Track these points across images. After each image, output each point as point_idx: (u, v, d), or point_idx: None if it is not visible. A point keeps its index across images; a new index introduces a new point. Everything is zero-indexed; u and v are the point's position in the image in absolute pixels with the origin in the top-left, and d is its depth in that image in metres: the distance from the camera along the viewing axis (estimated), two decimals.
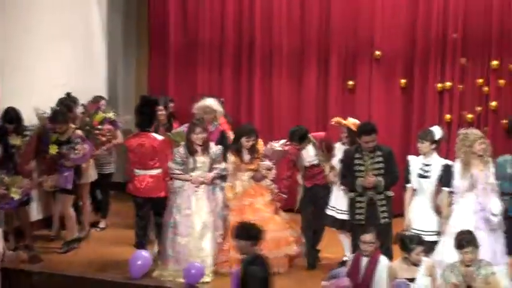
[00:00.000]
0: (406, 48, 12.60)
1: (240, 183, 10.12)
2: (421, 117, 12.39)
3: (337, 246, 10.23)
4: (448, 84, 12.39)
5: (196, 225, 9.74)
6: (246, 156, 10.14)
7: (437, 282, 8.08)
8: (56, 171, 10.59)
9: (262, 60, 13.10)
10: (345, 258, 9.81)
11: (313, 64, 12.94)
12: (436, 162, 9.14)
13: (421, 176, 9.13)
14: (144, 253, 9.76)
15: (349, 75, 12.86)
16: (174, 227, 9.75)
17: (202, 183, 9.75)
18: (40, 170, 10.74)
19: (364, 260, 8.43)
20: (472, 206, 8.73)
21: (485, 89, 12.32)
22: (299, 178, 10.36)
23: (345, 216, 9.75)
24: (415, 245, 8.25)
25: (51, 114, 10.76)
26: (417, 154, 9.34)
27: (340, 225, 9.94)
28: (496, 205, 8.68)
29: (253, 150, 10.12)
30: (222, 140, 10.58)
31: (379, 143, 9.42)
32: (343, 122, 10.19)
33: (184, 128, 10.36)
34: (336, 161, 10.06)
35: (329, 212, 10.09)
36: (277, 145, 10.29)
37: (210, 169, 9.80)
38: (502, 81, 12.24)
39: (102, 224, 11.99)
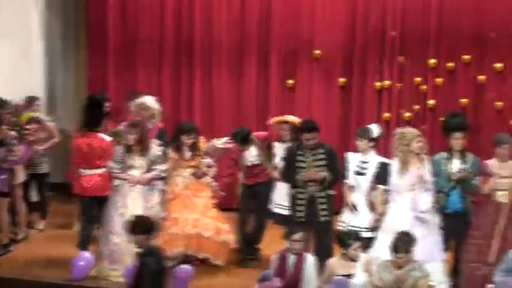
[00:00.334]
0: (345, 47, 12.70)
1: (182, 180, 10.12)
2: (360, 116, 12.49)
3: (279, 244, 10.24)
4: (387, 82, 12.52)
5: None
6: (187, 154, 10.13)
7: (372, 278, 8.13)
8: None
9: (202, 58, 13.08)
10: None
11: (253, 62, 12.97)
12: (373, 160, 9.20)
13: (358, 173, 9.18)
14: (87, 254, 9.69)
15: (289, 73, 12.92)
16: (109, 225, 9.68)
17: (138, 182, 9.69)
18: None
19: (291, 259, 8.45)
20: (408, 203, 8.80)
21: (423, 87, 12.48)
22: (240, 176, 10.38)
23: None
24: (352, 241, 8.31)
25: None
26: (356, 152, 9.40)
27: (286, 221, 9.95)
28: (424, 202, 8.77)
29: (194, 147, 10.11)
30: (161, 136, 10.51)
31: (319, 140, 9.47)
32: (288, 118, 10.23)
33: (122, 127, 10.30)
34: (277, 159, 10.11)
35: (275, 209, 10.14)
36: (219, 143, 10.32)
37: (149, 170, 9.75)
38: (439, 80, 12.40)
39: (41, 225, 11.84)
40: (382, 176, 9.04)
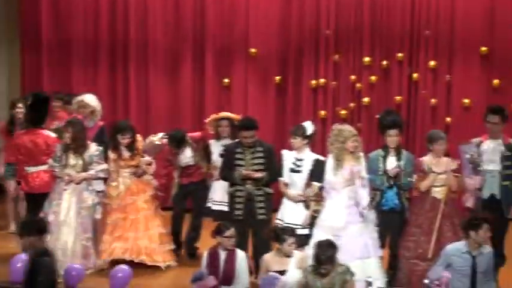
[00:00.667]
0: (281, 46, 12.76)
1: (122, 181, 10.07)
2: (296, 114, 12.55)
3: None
4: (322, 81, 12.61)
5: (61, 225, 9.62)
6: (125, 153, 10.06)
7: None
8: None
9: (138, 57, 12.97)
10: None
11: (188, 61, 12.92)
12: (308, 157, 9.20)
13: (293, 171, 9.18)
14: (24, 256, 9.56)
15: (224, 72, 12.92)
16: None
17: (70, 181, 9.62)
18: None
19: (222, 255, 8.46)
20: (344, 200, 8.86)
21: (358, 85, 12.60)
22: (175, 175, 10.37)
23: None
24: (287, 236, 8.34)
25: None
26: (291, 150, 9.43)
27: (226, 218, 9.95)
28: (363, 198, 8.82)
29: (132, 146, 10.06)
30: (101, 135, 10.52)
31: None
32: (227, 114, 10.22)
33: (61, 125, 10.22)
34: (214, 157, 10.13)
35: (215, 207, 10.13)
36: (156, 139, 10.29)
37: (85, 169, 9.66)
38: (373, 78, 12.53)
39: None
40: (317, 173, 9.06)
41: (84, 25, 13.06)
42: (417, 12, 12.42)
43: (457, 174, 9.08)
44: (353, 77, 12.59)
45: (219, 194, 10.11)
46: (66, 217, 9.64)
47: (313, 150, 9.51)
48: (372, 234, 8.92)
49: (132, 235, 9.93)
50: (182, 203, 10.40)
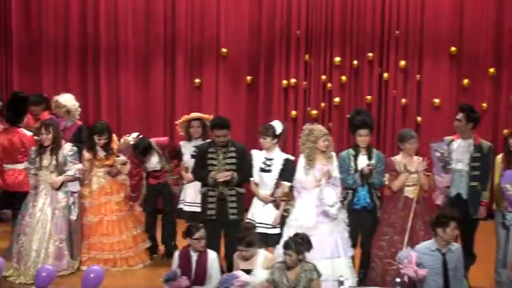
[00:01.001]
0: (252, 46, 12.78)
1: (96, 180, 10.11)
2: (267, 114, 12.55)
3: None
4: (293, 81, 12.64)
5: (36, 226, 9.60)
6: (101, 153, 10.11)
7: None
8: None
9: (108, 58, 12.94)
10: None
11: (159, 62, 12.90)
12: (278, 157, 9.21)
13: (263, 170, 9.18)
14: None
15: (195, 72, 12.91)
16: (20, 224, 9.65)
17: (52, 186, 9.63)
18: None
19: (194, 256, 8.48)
20: (315, 200, 8.89)
21: (329, 85, 12.65)
22: (144, 175, 10.42)
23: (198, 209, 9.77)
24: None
25: None
26: (262, 150, 9.42)
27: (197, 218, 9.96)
28: (330, 196, 8.85)
29: (107, 146, 10.11)
30: (79, 135, 10.57)
31: None
32: (198, 115, 10.22)
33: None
34: (185, 158, 10.12)
35: (187, 208, 10.13)
36: (131, 139, 10.29)
37: (60, 170, 9.65)
38: (344, 78, 12.59)
39: None
40: (287, 172, 9.09)
41: (55, 26, 13.00)
42: (387, 13, 12.48)
43: (428, 173, 9.15)
44: (324, 77, 12.64)
45: (190, 195, 10.12)
46: (40, 218, 9.62)
47: (284, 149, 9.55)
48: (342, 233, 8.95)
49: (108, 241, 9.98)
50: (153, 202, 10.41)
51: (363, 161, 9.18)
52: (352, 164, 9.17)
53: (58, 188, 9.65)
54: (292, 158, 9.24)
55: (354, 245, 9.16)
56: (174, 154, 10.28)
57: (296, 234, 8.06)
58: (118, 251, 10.01)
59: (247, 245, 8.22)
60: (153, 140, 10.33)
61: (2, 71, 13.24)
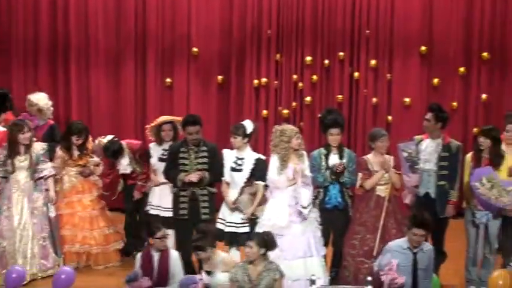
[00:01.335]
0: (223, 45, 12.76)
1: (68, 179, 10.11)
2: (238, 113, 12.55)
3: None
4: (264, 80, 12.65)
5: (17, 228, 9.54)
6: (75, 152, 10.13)
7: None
8: None
9: (78, 56, 12.84)
10: None
11: (130, 60, 12.84)
12: (249, 156, 9.18)
13: (234, 170, 9.15)
14: None
15: (167, 72, 12.87)
16: None
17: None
18: None
19: (155, 256, 8.48)
20: (288, 199, 8.90)
21: (300, 84, 12.67)
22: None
23: (168, 214, 9.75)
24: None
25: None
26: (233, 149, 9.41)
27: (164, 223, 9.92)
28: (305, 197, 8.87)
29: (82, 147, 10.11)
30: (51, 133, 10.57)
31: None
32: (167, 118, 10.19)
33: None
34: (153, 161, 10.08)
35: (152, 211, 10.09)
36: (105, 140, 10.27)
37: (32, 170, 9.60)
38: (315, 77, 12.62)
39: None
40: (259, 172, 9.08)
41: (24, 24, 12.89)
42: (358, 12, 12.52)
43: (399, 172, 9.19)
44: (295, 76, 12.66)
45: (156, 199, 10.08)
46: (21, 220, 9.57)
47: (255, 149, 9.54)
48: (315, 232, 8.97)
49: (81, 234, 10.02)
50: (131, 202, 10.37)
51: (334, 160, 9.19)
52: (324, 163, 9.18)
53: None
54: (263, 157, 9.23)
55: (325, 244, 9.18)
56: (145, 157, 10.23)
57: (267, 232, 8.11)
58: (89, 246, 10.01)
59: (196, 249, 8.20)
60: (125, 142, 10.32)
61: None
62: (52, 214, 9.78)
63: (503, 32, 12.55)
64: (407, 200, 9.36)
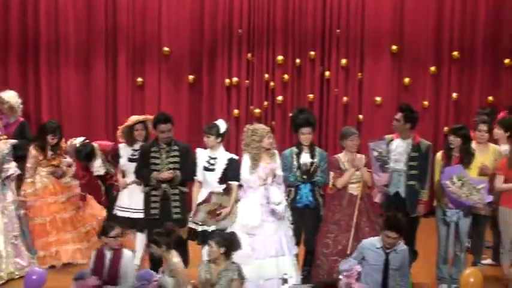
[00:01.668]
0: (194, 45, 12.73)
1: (39, 179, 10.09)
2: (210, 113, 12.53)
3: None
4: (235, 79, 12.64)
5: None
6: (49, 152, 10.10)
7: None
8: None
9: (49, 55, 12.70)
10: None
11: (101, 60, 12.75)
12: (222, 156, 9.15)
13: (206, 169, 9.12)
14: None
15: (138, 71, 12.81)
16: None
17: None
18: None
19: (108, 255, 8.45)
20: (260, 198, 8.89)
21: (272, 84, 12.67)
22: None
23: (137, 215, 9.70)
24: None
25: None
26: (206, 148, 9.38)
27: (132, 224, 9.88)
28: (276, 195, 8.87)
29: (55, 147, 10.09)
30: (22, 131, 10.57)
31: None
32: (142, 117, 10.13)
33: None
34: (123, 161, 9.97)
35: (121, 213, 9.94)
36: (77, 142, 10.26)
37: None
38: (286, 76, 12.63)
39: None
40: (232, 172, 9.05)
41: None
42: (328, 12, 12.55)
43: (370, 170, 9.22)
44: (266, 75, 12.66)
45: (125, 201, 9.94)
46: None
47: (227, 149, 9.51)
48: (287, 232, 8.98)
49: (65, 236, 10.08)
50: (111, 200, 10.25)
51: (305, 159, 9.21)
52: (295, 162, 9.19)
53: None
54: (236, 157, 9.22)
55: (297, 243, 9.19)
56: (116, 158, 10.16)
57: (231, 232, 8.14)
58: (72, 244, 10.06)
59: (152, 241, 8.18)
60: (97, 144, 10.28)
61: None
62: (21, 211, 9.77)
63: (473, 31, 12.64)
64: (377, 198, 9.40)
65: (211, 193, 8.96)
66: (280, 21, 12.58)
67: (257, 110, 12.63)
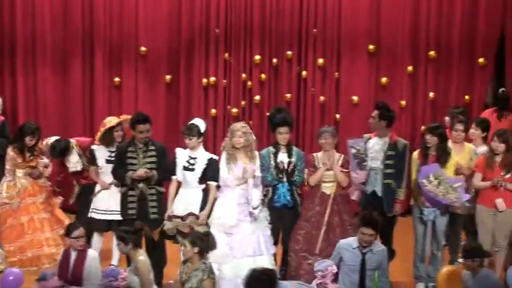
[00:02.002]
0: (171, 44, 12.69)
1: (18, 180, 10.09)
2: (187, 113, 12.47)
3: None
4: (213, 79, 12.62)
5: None
6: (26, 153, 10.09)
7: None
8: None
9: (25, 55, 12.62)
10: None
11: (78, 59, 12.68)
12: (202, 156, 9.16)
13: (186, 169, 9.13)
14: None
15: (115, 71, 12.76)
16: None
17: None
18: None
19: (73, 255, 8.44)
20: (237, 198, 8.91)
21: (249, 83, 12.67)
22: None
23: (115, 217, 9.66)
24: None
25: None
26: (184, 148, 9.36)
27: (109, 227, 9.84)
28: (255, 197, 8.89)
29: (32, 148, 10.07)
30: (1, 129, 10.62)
31: None
32: (121, 119, 10.09)
33: None
34: (101, 162, 9.91)
35: (97, 216, 9.90)
36: (51, 141, 10.19)
37: None
38: (264, 76, 12.63)
39: None
40: (212, 172, 9.06)
41: None
42: (305, 11, 12.54)
43: (345, 170, 9.24)
44: (244, 75, 12.65)
45: (102, 203, 9.89)
46: None
47: (205, 148, 9.51)
48: (264, 231, 9.00)
49: (43, 236, 10.05)
50: (86, 201, 10.10)
51: (283, 159, 9.24)
52: (272, 161, 9.23)
53: None
54: (216, 157, 9.22)
55: (275, 243, 9.21)
56: (93, 161, 10.01)
57: (206, 232, 8.12)
58: (47, 246, 10.02)
59: (119, 238, 8.16)
60: (74, 140, 10.21)
61: None
62: None
63: (449, 31, 12.68)
64: (354, 196, 9.46)
65: (190, 214, 8.96)
66: (257, 21, 12.57)
67: (234, 110, 12.62)
